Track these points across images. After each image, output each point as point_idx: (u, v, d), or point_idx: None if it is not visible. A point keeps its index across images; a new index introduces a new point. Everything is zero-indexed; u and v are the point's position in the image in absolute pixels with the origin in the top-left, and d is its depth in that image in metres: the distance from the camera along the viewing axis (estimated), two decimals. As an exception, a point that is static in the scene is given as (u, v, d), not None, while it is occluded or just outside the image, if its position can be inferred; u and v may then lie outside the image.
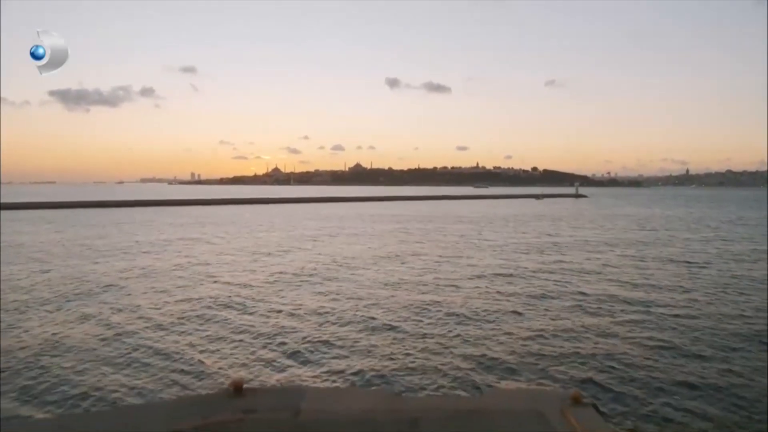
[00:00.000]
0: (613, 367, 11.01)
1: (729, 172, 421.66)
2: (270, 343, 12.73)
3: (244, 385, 8.23)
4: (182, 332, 13.68)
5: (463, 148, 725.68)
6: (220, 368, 10.84)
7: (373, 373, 10.62)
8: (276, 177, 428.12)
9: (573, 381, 10.11)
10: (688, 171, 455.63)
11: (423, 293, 18.77)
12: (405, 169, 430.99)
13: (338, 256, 28.74)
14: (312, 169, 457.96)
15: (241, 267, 24.91)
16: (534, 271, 23.74)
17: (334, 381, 10.18)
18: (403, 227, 48.67)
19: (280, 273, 23.18)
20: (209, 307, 16.47)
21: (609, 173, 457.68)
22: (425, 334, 13.51)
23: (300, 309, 16.33)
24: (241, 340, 13.02)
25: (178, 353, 11.87)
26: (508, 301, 17.62)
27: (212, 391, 9.13)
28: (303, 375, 10.55)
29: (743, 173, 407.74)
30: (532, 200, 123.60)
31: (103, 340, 12.95)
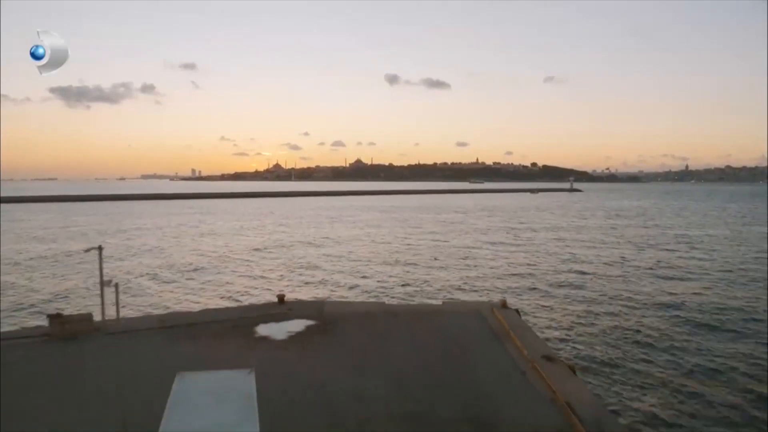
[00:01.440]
0: (539, 290, 16.27)
1: (728, 167, 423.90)
2: (293, 279, 17.98)
3: (285, 298, 12.49)
4: (222, 276, 18.91)
5: (463, 144, 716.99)
6: (266, 288, 16.17)
7: (368, 293, 15.88)
8: (277, 173, 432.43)
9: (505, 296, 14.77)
10: (687, 167, 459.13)
11: (403, 251, 25.59)
12: (405, 164, 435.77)
13: (336, 232, 33.53)
14: (313, 165, 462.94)
15: (250, 238, 30.20)
16: (500, 243, 29.33)
17: (344, 297, 14.88)
18: (398, 216, 53.05)
19: (287, 241, 29.06)
20: (243, 259, 22.43)
21: (608, 169, 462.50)
22: (406, 273, 19.47)
23: (311, 262, 22.13)
24: (271, 271, 19.07)
25: (233, 282, 17.76)
26: (470, 258, 23.84)
27: (264, 301, 13.50)
28: (322, 294, 15.38)
29: (742, 169, 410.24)
30: (528, 194, 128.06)
31: (174, 277, 17.32)
